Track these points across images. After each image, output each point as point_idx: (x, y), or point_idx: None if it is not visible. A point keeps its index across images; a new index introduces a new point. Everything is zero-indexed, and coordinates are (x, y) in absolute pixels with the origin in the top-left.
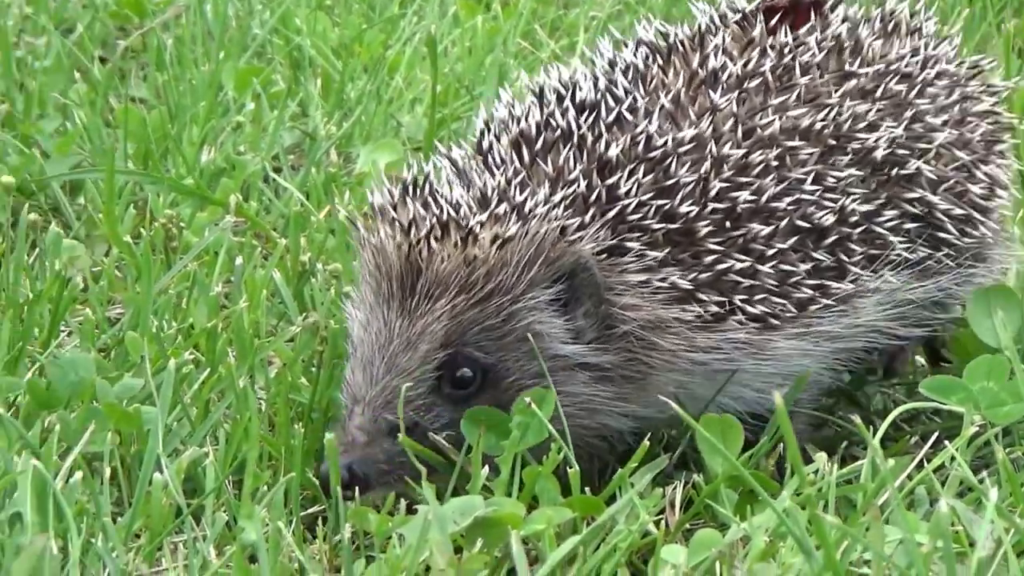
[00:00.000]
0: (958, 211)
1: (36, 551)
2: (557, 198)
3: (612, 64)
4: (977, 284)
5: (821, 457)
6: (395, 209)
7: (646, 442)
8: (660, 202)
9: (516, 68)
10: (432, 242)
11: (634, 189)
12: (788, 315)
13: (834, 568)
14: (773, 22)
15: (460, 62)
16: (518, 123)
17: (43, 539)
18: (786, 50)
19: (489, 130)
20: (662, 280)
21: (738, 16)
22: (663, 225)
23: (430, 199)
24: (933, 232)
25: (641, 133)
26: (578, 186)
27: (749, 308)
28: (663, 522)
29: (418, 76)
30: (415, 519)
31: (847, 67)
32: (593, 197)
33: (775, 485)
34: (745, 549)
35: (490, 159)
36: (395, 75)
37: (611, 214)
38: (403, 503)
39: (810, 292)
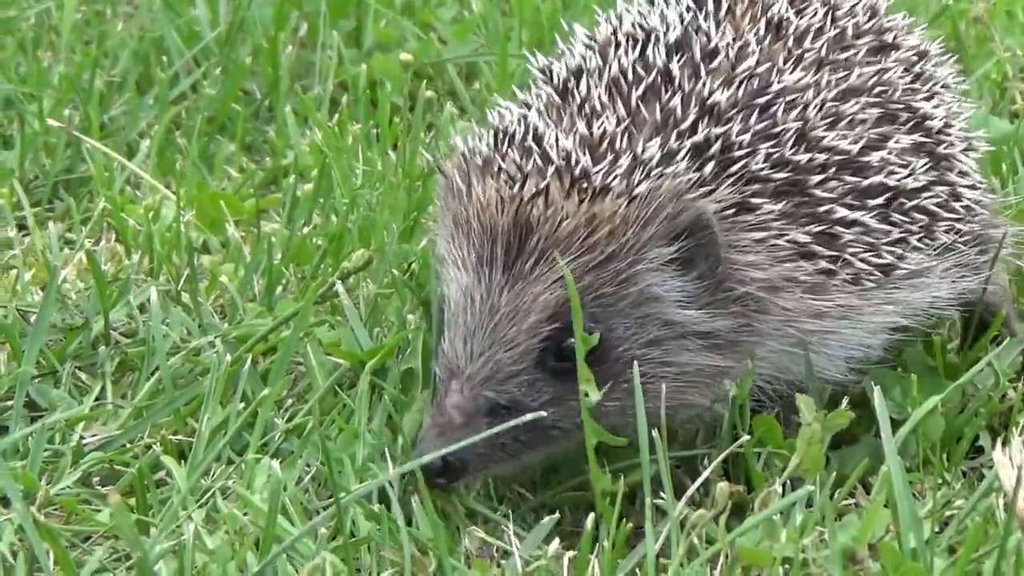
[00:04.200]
0: (985, 200)
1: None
2: (677, 149)
3: (665, 18)
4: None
5: None
6: (502, 159)
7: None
8: (773, 150)
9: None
10: (550, 197)
11: (748, 138)
12: (875, 278)
13: None
14: None
15: None
16: (608, 66)
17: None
18: (836, 11)
19: (576, 73)
20: (780, 236)
21: None
22: (779, 175)
23: (534, 147)
24: (964, 217)
25: (740, 76)
26: (693, 135)
27: (858, 264)
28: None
29: None
30: None
31: (885, 39)
32: (711, 149)
33: None
34: None
35: (587, 105)
36: None
37: (734, 166)
38: None
39: (892, 259)
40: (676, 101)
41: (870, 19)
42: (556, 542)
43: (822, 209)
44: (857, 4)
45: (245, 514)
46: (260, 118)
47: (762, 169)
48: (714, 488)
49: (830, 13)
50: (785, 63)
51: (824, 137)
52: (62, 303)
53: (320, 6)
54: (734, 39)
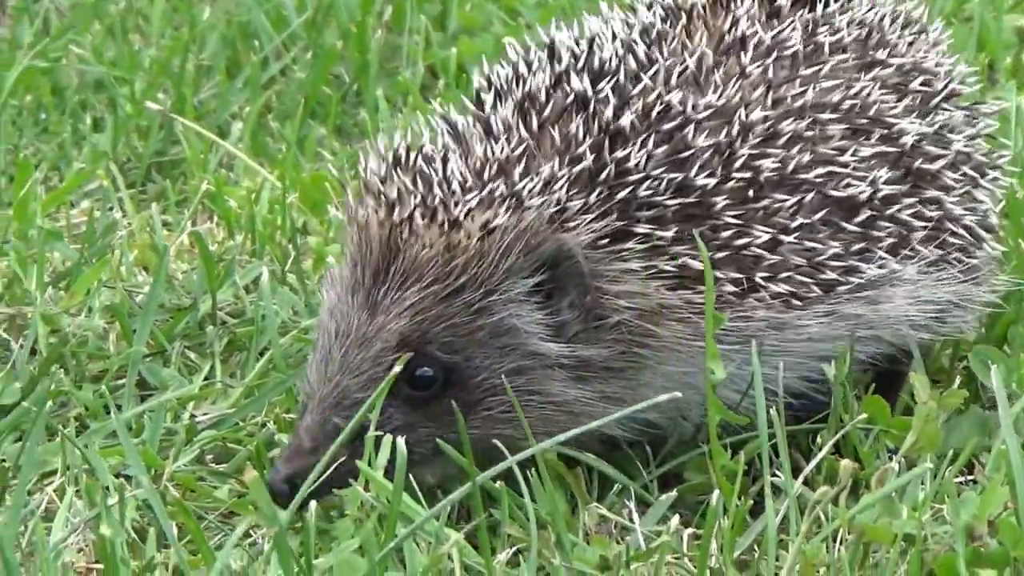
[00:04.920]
0: (967, 221)
1: None
2: (561, 176)
3: (628, 23)
4: (971, 308)
5: None
6: (383, 182)
7: None
8: (674, 175)
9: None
10: (415, 225)
11: (644, 162)
12: (814, 296)
13: None
14: None
15: None
16: (525, 84)
17: None
18: (817, 27)
19: (491, 89)
20: (671, 260)
21: None
22: (677, 200)
23: (423, 171)
24: (946, 237)
25: (657, 99)
26: (584, 160)
27: (772, 287)
28: None
29: None
30: None
31: (874, 55)
32: (603, 175)
33: None
34: None
35: (493, 124)
36: None
37: (621, 193)
38: None
39: (836, 274)
40: (580, 125)
41: (865, 35)
42: (676, 518)
43: (729, 232)
44: (844, 18)
45: (367, 490)
46: (347, 101)
47: (657, 194)
48: (825, 465)
49: (809, 28)
50: (724, 82)
51: (747, 156)
52: (168, 283)
53: None
54: (678, 61)
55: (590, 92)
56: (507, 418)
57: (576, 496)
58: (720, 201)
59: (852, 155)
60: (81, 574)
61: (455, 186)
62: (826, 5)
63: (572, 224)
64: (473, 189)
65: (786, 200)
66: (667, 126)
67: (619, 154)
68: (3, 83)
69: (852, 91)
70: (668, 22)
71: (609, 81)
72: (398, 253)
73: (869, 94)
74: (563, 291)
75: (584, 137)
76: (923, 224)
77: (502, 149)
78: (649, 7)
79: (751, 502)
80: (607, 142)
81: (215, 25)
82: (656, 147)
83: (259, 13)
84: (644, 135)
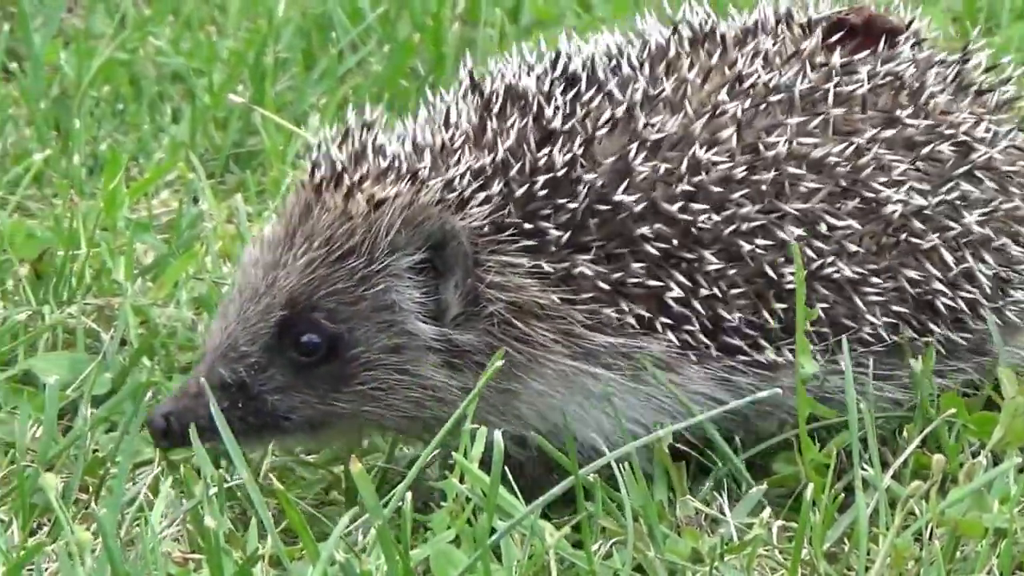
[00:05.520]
0: (962, 298)
1: None
2: (473, 165)
3: (631, 41)
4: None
5: None
6: (318, 151)
7: None
8: (592, 183)
9: None
10: (323, 189)
11: (558, 164)
12: (710, 353)
13: None
14: (834, 39)
15: None
16: (495, 82)
17: None
18: (832, 73)
19: (471, 83)
20: (558, 264)
21: (803, 20)
22: (587, 207)
23: (362, 148)
24: (925, 320)
25: (602, 111)
26: (499, 153)
27: (670, 329)
28: None
29: None
30: None
31: (897, 112)
32: (513, 170)
33: None
34: None
35: (452, 114)
36: None
37: (522, 189)
38: None
39: (739, 341)
40: (518, 124)
41: (896, 88)
42: (767, 511)
43: (644, 258)
44: (867, 68)
45: (462, 483)
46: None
47: (560, 196)
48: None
49: (828, 75)
50: (694, 113)
51: (684, 195)
52: None
53: None
54: (657, 85)
55: (533, 92)
56: (378, 396)
57: (675, 488)
58: (640, 227)
59: (815, 225)
60: (179, 564)
61: (377, 162)
62: (873, 52)
63: (467, 210)
64: (391, 168)
65: (710, 261)
66: (610, 140)
67: (539, 154)
68: (83, 75)
69: (841, 148)
70: (674, 45)
71: (569, 89)
72: (307, 217)
73: (866, 152)
74: (448, 272)
75: (512, 134)
76: (880, 312)
77: (448, 136)
78: (673, 32)
79: (841, 495)
80: (532, 140)
81: (291, 19)
82: (580, 150)
83: (335, 7)
84: (576, 141)
